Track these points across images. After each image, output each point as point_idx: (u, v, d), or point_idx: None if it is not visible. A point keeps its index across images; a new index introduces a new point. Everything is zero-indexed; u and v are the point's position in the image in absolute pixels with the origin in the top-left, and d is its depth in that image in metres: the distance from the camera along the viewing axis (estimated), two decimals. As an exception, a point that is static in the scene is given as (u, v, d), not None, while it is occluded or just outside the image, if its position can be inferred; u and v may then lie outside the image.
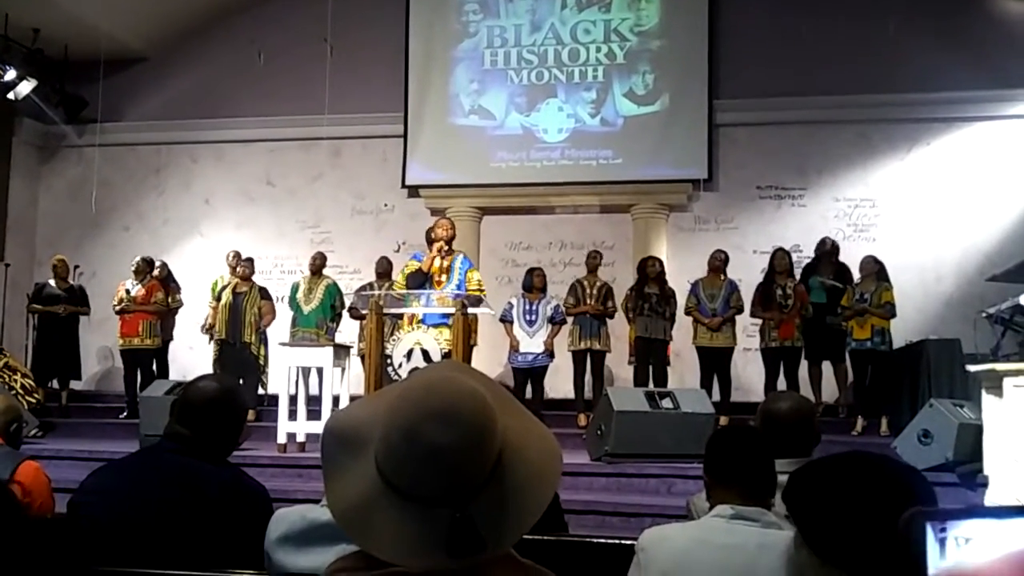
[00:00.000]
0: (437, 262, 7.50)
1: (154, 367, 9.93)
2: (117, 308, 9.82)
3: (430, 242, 7.83)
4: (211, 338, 9.74)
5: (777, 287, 8.98)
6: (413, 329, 7.19)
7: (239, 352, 9.32)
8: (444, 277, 7.47)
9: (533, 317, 9.09)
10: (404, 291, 7.37)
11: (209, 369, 9.30)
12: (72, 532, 2.42)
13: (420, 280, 7.44)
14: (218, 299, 9.54)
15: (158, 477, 2.43)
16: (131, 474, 2.51)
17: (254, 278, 9.86)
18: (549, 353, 9.06)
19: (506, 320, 9.17)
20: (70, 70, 11.91)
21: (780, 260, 9.12)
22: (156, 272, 10.10)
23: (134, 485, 2.43)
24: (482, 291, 7.48)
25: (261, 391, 9.57)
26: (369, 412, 1.21)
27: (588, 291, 9.32)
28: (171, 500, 2.37)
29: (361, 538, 1.16)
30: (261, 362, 9.45)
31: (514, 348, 9.10)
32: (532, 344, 9.04)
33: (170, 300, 10.08)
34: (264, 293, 9.66)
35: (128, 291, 9.82)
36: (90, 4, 11.02)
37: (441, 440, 1.12)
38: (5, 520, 2.15)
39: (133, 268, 9.92)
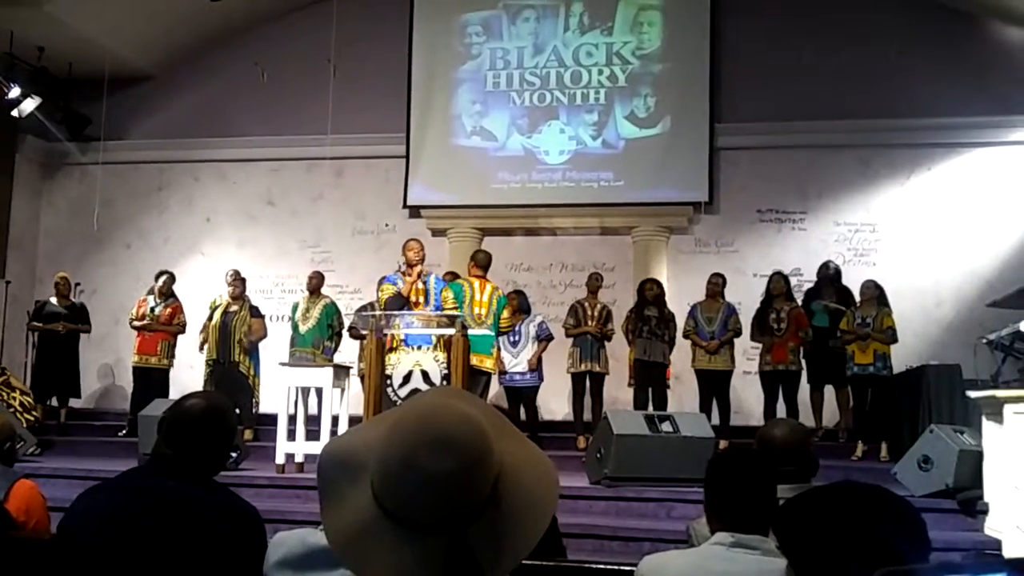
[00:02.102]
0: (420, 284, 7.51)
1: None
2: (138, 325, 9.76)
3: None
4: (201, 346, 9.71)
5: (772, 311, 8.99)
6: (395, 349, 7.21)
7: (229, 371, 9.29)
8: (421, 299, 7.47)
9: (516, 337, 9.13)
10: (385, 312, 7.36)
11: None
12: (62, 556, 2.38)
13: (399, 304, 7.44)
14: (209, 319, 9.52)
15: (143, 500, 2.36)
16: (118, 497, 2.44)
17: (253, 297, 9.86)
18: (537, 373, 9.06)
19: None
20: (74, 88, 11.96)
21: (776, 284, 9.13)
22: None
23: (120, 508, 2.36)
24: (457, 308, 7.47)
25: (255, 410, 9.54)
26: (366, 439, 1.20)
27: (589, 312, 9.32)
28: (156, 524, 2.32)
29: (357, 565, 1.16)
30: (251, 381, 9.41)
31: (500, 370, 9.11)
32: (517, 364, 9.07)
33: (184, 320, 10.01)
34: (255, 311, 9.62)
35: (152, 309, 9.78)
36: (95, 23, 11.08)
37: (436, 468, 1.11)
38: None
39: (159, 286, 9.85)
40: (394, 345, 7.26)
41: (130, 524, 2.33)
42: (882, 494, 1.48)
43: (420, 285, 7.50)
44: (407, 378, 7.04)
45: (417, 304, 7.43)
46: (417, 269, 7.57)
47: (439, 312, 7.30)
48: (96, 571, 2.29)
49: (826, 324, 9.06)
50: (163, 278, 9.90)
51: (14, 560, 2.19)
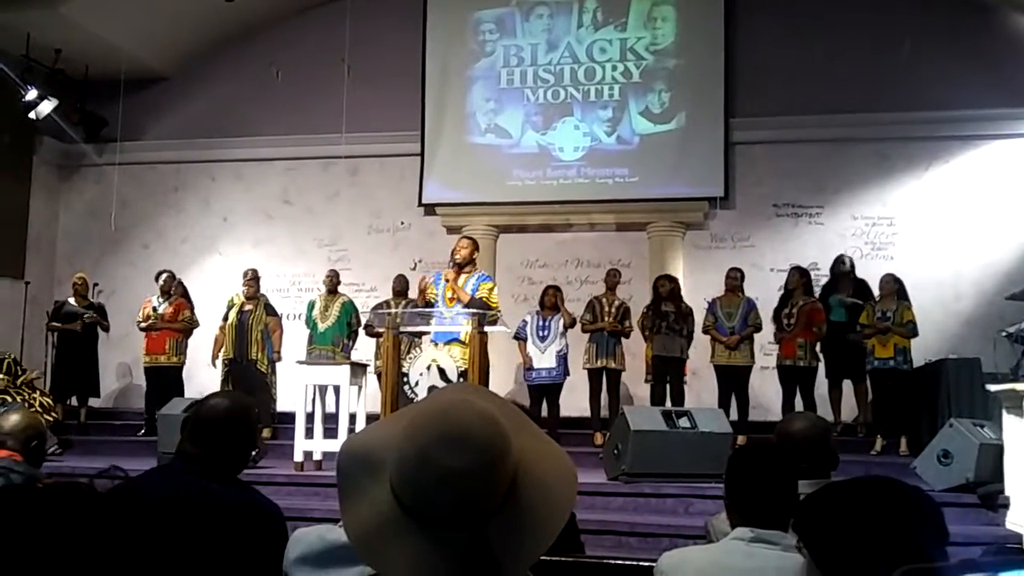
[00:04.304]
0: (441, 287, 7.40)
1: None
2: (143, 325, 9.80)
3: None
4: (213, 358, 9.68)
5: (787, 306, 8.97)
6: (428, 347, 7.18)
7: (247, 370, 9.32)
8: (461, 297, 7.38)
9: (546, 332, 9.10)
10: (417, 310, 7.35)
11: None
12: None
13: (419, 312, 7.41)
14: (225, 319, 9.56)
15: (171, 497, 2.40)
16: (142, 494, 2.49)
17: (268, 295, 9.90)
18: (562, 368, 9.04)
19: (520, 337, 9.17)
20: (91, 89, 12.04)
21: (791, 278, 9.13)
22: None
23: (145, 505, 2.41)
24: (489, 300, 7.27)
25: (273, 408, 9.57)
26: (384, 435, 1.20)
27: (606, 308, 9.31)
28: (184, 521, 2.35)
29: (376, 562, 1.16)
30: (268, 380, 9.44)
31: (527, 366, 9.10)
32: (544, 360, 9.03)
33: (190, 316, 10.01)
34: (270, 309, 9.64)
35: (155, 308, 9.82)
36: (111, 24, 11.14)
37: (454, 464, 1.11)
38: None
39: (161, 284, 9.90)
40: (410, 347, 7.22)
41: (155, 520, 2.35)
42: (899, 487, 1.48)
43: (457, 283, 7.35)
44: (424, 375, 7.03)
45: (452, 300, 7.33)
46: (447, 273, 7.40)
47: (470, 309, 7.18)
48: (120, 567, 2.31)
49: (844, 318, 9.02)
50: (163, 277, 9.96)
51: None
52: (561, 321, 9.13)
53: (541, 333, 9.11)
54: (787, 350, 8.86)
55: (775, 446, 2.70)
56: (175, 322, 9.79)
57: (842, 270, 9.41)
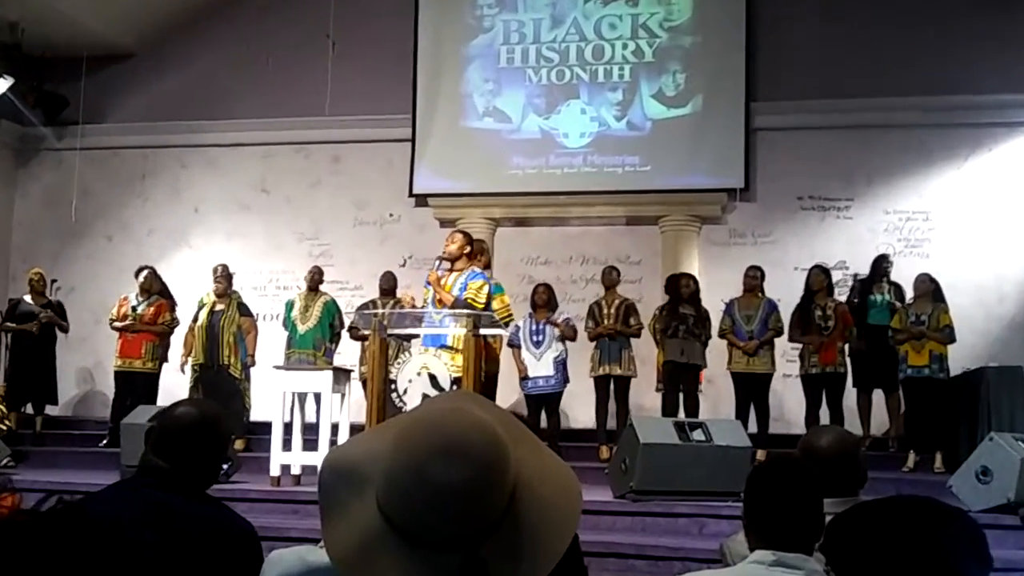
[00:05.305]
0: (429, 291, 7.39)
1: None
2: (119, 325, 9.76)
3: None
4: (182, 363, 9.69)
5: (816, 308, 8.94)
6: (418, 351, 7.18)
7: (218, 375, 9.32)
8: (448, 297, 7.35)
9: (540, 337, 9.02)
10: (406, 311, 7.36)
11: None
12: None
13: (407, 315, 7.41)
14: (195, 320, 9.55)
15: (133, 515, 2.36)
16: (103, 510, 2.47)
17: (242, 293, 9.89)
18: (561, 376, 9.01)
19: (513, 345, 9.08)
20: (50, 67, 12.03)
21: (816, 278, 9.09)
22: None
23: (108, 524, 2.39)
24: (475, 301, 7.25)
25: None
26: (370, 448, 1.20)
27: (606, 311, 9.28)
28: (148, 541, 2.34)
29: (362, 585, 1.16)
30: (241, 387, 9.43)
31: (522, 375, 9.05)
32: (540, 367, 8.97)
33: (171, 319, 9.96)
34: (243, 309, 9.63)
35: (134, 308, 9.80)
36: (72, -4, 11.14)
37: (449, 479, 1.11)
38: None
39: (140, 282, 9.87)
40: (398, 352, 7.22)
41: (117, 540, 2.33)
42: (938, 507, 1.48)
43: (445, 282, 7.31)
44: (413, 382, 7.02)
45: (441, 302, 7.29)
46: (434, 275, 7.37)
47: (457, 308, 7.17)
48: None
49: (887, 321, 8.95)
50: (144, 274, 9.90)
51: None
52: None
53: (535, 338, 9.03)
54: (827, 356, 8.82)
55: (799, 462, 2.69)
56: (154, 324, 9.76)
57: (886, 269, 9.35)
